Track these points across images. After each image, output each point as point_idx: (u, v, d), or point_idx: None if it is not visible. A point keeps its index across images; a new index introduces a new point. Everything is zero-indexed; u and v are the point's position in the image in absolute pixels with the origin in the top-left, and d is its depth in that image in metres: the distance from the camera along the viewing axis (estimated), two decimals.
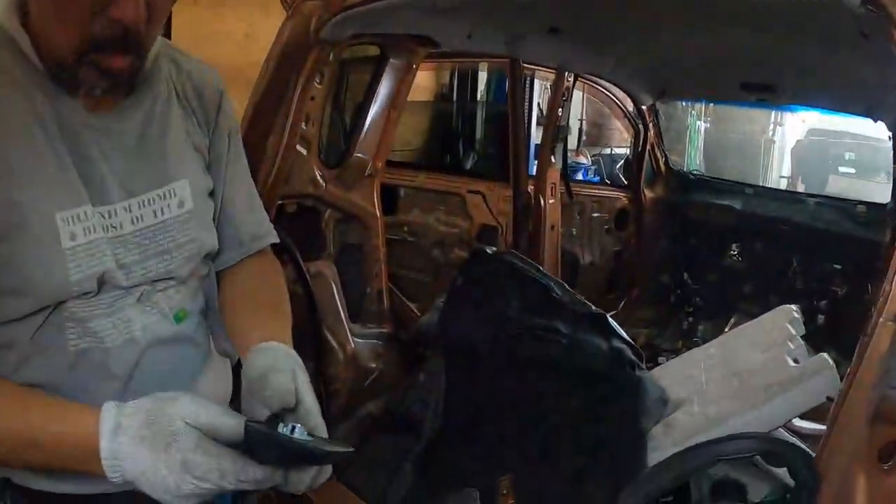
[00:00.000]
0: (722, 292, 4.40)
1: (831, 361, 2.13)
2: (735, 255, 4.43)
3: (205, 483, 0.90)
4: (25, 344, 1.05)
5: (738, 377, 2.33)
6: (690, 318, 4.39)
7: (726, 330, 4.14)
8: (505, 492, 2.04)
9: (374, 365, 2.54)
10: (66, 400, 1.02)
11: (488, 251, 2.49)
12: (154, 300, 1.17)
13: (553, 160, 3.53)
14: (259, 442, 0.94)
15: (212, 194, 1.29)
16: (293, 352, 1.15)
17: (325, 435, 1.05)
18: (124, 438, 0.91)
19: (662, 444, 2.15)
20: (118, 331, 1.11)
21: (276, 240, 1.44)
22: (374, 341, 2.59)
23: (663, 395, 2.26)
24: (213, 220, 1.30)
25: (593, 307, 2.42)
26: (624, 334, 2.36)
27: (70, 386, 1.08)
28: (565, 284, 2.47)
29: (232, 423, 0.94)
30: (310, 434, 0.99)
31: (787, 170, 9.42)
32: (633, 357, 2.26)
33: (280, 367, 1.08)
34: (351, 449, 1.00)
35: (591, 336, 2.32)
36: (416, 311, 3.06)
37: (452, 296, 2.51)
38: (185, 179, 1.20)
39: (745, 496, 2.29)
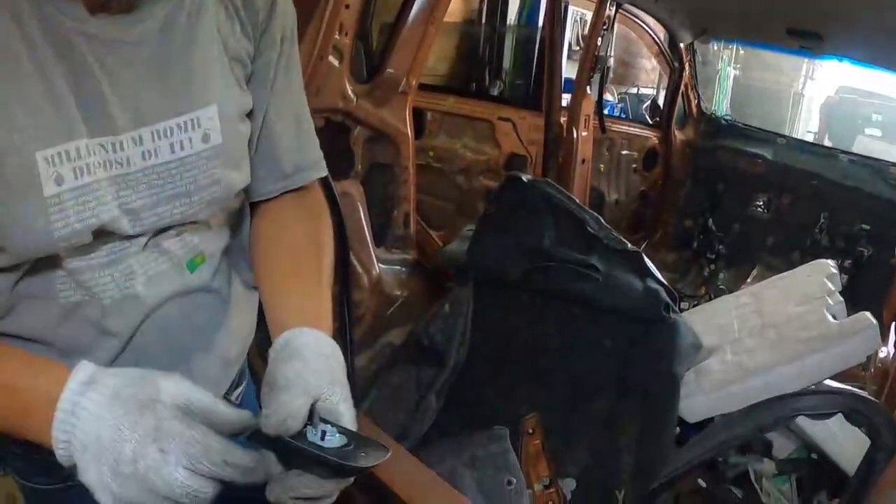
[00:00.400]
0: (745, 242, 4.31)
1: (874, 320, 2.07)
2: (761, 206, 4.33)
3: (172, 460, 0.71)
4: (7, 293, 0.89)
5: (775, 329, 2.27)
6: (712, 266, 4.31)
7: (748, 280, 4.16)
8: (531, 430, 1.97)
9: (398, 292, 2.45)
10: (46, 357, 0.87)
11: (523, 178, 2.37)
12: (164, 247, 0.98)
13: (588, 91, 3.39)
14: (265, 445, 0.82)
15: (250, 115, 1.05)
16: (329, 348, 0.95)
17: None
18: (95, 395, 0.74)
19: (694, 391, 2.09)
20: (117, 284, 0.94)
21: (325, 173, 1.20)
22: (399, 268, 2.50)
23: (697, 340, 2.18)
24: (252, 143, 1.07)
25: (629, 244, 2.32)
26: (658, 275, 2.27)
27: (62, 342, 0.93)
28: (601, 219, 2.35)
29: (233, 414, 0.78)
30: (343, 432, 0.85)
31: (814, 126, 9.24)
32: (667, 299, 2.16)
33: (306, 384, 0.87)
34: (386, 455, 0.85)
35: (626, 274, 2.22)
36: (436, 238, 2.95)
37: (483, 223, 2.40)
38: (213, 105, 0.95)
39: (771, 452, 2.26)
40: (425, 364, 2.13)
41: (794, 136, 6.50)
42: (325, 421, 0.85)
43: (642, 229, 4.35)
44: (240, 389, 1.36)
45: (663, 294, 2.15)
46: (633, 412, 2.01)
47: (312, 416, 0.84)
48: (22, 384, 0.78)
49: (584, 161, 3.36)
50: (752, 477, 2.14)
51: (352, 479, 0.88)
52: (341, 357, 0.95)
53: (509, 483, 1.73)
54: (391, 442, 1.64)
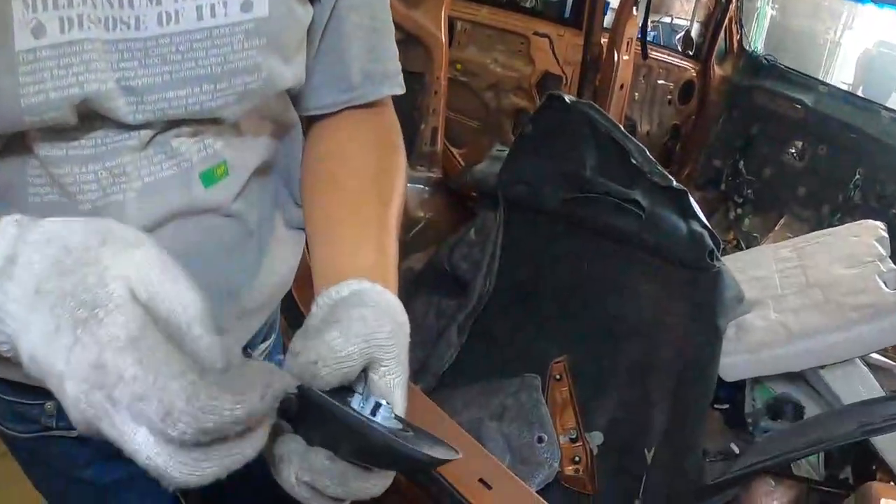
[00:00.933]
0: (775, 189, 4.12)
1: None
2: (795, 154, 4.12)
3: (127, 417, 0.45)
4: None
5: (822, 290, 2.13)
6: (739, 210, 4.14)
7: (776, 229, 4.00)
8: (559, 376, 1.81)
9: (420, 213, 2.26)
10: None
11: (566, 98, 2.16)
12: (174, 146, 0.74)
13: (635, 12, 3.13)
14: (307, 411, 0.58)
15: None
16: (403, 316, 0.71)
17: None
18: (12, 287, 0.48)
19: (735, 349, 1.96)
20: (102, 186, 0.71)
21: (402, 90, 0.94)
22: (422, 187, 2.31)
23: (740, 292, 2.02)
24: (312, 38, 0.82)
25: (674, 181, 2.12)
26: (703, 217, 2.09)
27: None
28: (646, 150, 2.15)
29: (214, 347, 0.52)
30: (399, 419, 0.63)
31: (848, 77, 8.92)
32: (712, 244, 1.99)
33: (368, 331, 0.64)
34: (457, 455, 0.64)
35: (670, 213, 2.04)
36: (458, 157, 2.75)
37: (519, 143, 2.20)
38: None
39: (803, 418, 2.12)
40: (447, 294, 1.96)
41: None
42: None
43: (671, 164, 4.14)
44: (266, 344, 1.15)
45: (708, 239, 1.98)
46: (668, 364, 1.86)
47: (361, 383, 0.65)
48: None
49: (622, 87, 3.13)
50: None
51: (396, 475, 0.66)
52: (408, 334, 0.72)
53: (540, 440, 1.58)
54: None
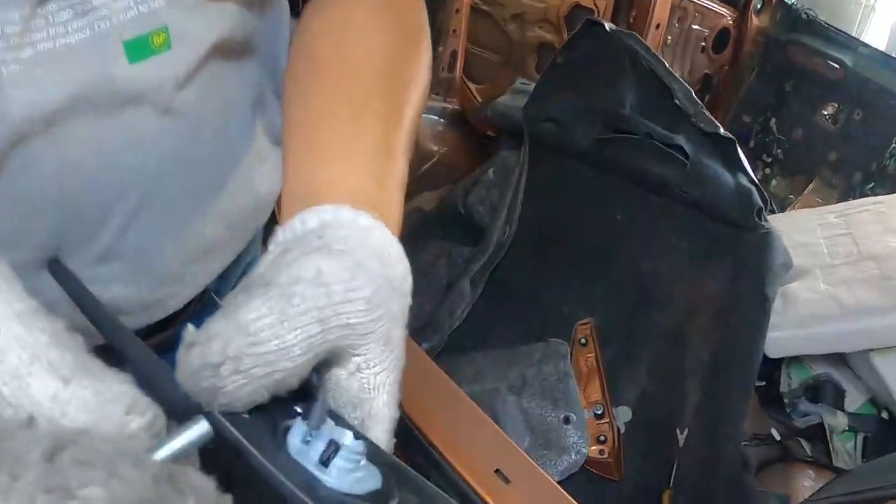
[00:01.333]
0: (806, 151, 3.91)
1: None
2: (829, 116, 3.91)
3: None
4: None
5: (876, 263, 1.90)
6: (767, 169, 3.94)
7: (805, 193, 3.81)
8: (584, 340, 1.60)
9: (433, 147, 2.05)
10: None
11: (606, 26, 1.91)
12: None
13: None
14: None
15: None
16: (402, 267, 0.52)
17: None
18: None
19: (782, 323, 1.75)
20: None
21: None
22: (436, 118, 2.08)
23: (788, 258, 1.81)
24: None
25: (722, 129, 1.89)
26: (751, 171, 1.87)
27: None
28: (692, 92, 1.91)
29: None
30: (370, 449, 0.41)
31: (881, 43, 8.67)
32: (760, 202, 1.77)
33: (323, 303, 0.44)
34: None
35: (716, 164, 1.81)
36: (475, 92, 2.51)
37: (549, 75, 1.95)
38: None
39: (843, 403, 1.93)
40: (460, 240, 1.75)
41: None
42: (337, 419, 0.43)
43: None
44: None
45: (756, 196, 1.76)
46: (707, 332, 1.66)
47: (312, 395, 0.44)
48: None
49: (658, 26, 2.92)
50: (827, 431, 1.82)
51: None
52: (409, 292, 0.53)
53: (567, 420, 1.36)
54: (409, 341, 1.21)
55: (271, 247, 0.51)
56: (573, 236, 1.82)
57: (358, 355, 0.46)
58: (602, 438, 1.45)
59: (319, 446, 0.39)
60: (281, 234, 0.51)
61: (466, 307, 1.58)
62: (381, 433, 0.48)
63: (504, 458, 1.08)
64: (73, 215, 0.58)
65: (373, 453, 0.41)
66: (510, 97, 2.10)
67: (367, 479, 0.40)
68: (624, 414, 1.56)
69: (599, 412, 1.48)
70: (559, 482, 1.24)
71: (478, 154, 2.12)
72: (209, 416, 0.38)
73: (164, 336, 0.79)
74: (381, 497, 0.39)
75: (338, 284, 0.44)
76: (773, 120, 4.01)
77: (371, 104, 0.61)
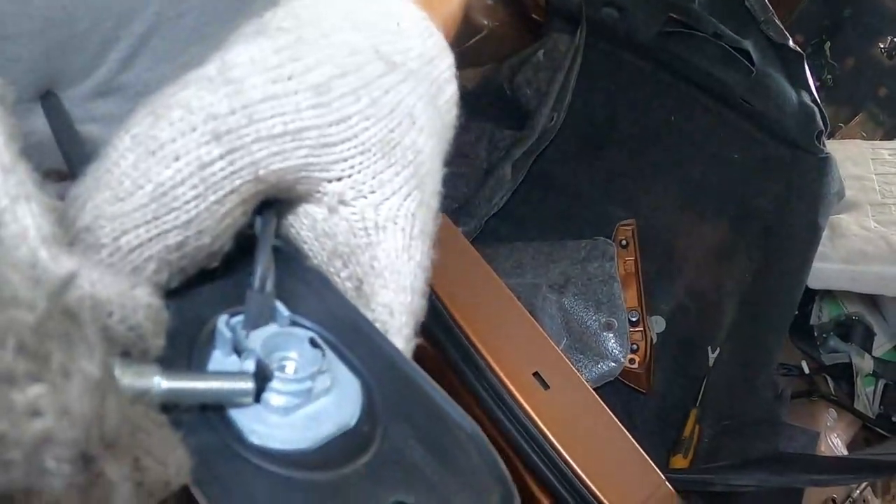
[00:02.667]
0: (856, 82, 3.83)
1: None
2: (884, 49, 3.83)
3: None
4: None
5: None
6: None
7: (850, 124, 3.76)
8: (625, 242, 1.57)
9: (483, 20, 1.96)
10: None
11: None
12: None
13: None
14: None
15: None
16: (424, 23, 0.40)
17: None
18: None
19: (828, 254, 1.73)
20: None
21: None
22: None
23: (842, 189, 1.79)
24: None
25: (791, 41, 1.83)
26: (815, 91, 1.82)
27: None
28: None
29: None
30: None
31: None
32: (822, 125, 1.73)
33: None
34: None
35: (781, 78, 1.76)
36: None
37: None
38: None
39: (871, 345, 1.94)
40: (505, 122, 1.69)
41: None
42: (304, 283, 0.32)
43: None
44: None
45: (819, 118, 1.71)
46: (750, 253, 1.64)
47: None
48: None
49: None
50: (855, 372, 1.83)
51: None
52: (444, 74, 0.41)
53: (608, 326, 1.34)
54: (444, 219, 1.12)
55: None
56: (622, 134, 1.77)
57: (336, 178, 0.34)
58: (634, 347, 1.44)
59: (249, 366, 0.28)
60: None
61: (506, 193, 1.54)
62: (393, 300, 0.34)
63: (543, 361, 1.04)
64: (72, 37, 0.52)
65: (356, 353, 0.30)
66: None
67: (330, 413, 0.29)
68: (658, 324, 1.54)
69: (634, 319, 1.46)
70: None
71: (528, 33, 2.04)
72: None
73: None
74: (349, 449, 0.28)
75: (254, 78, 0.32)
76: (828, 44, 3.92)
77: None
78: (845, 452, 1.62)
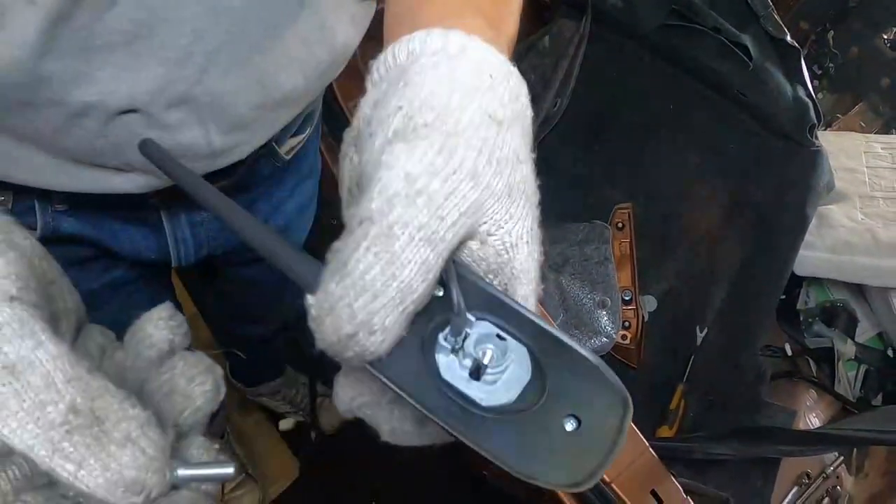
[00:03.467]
0: (858, 72, 3.91)
1: None
2: (889, 41, 3.90)
3: None
4: None
5: None
6: (815, 81, 3.92)
7: (849, 114, 3.84)
8: (621, 225, 1.67)
9: None
10: None
11: None
12: None
13: None
14: None
15: None
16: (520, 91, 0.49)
17: None
18: None
19: (815, 243, 1.83)
20: None
21: None
22: None
23: (832, 180, 1.87)
24: None
25: (789, 36, 1.93)
26: (810, 85, 1.92)
27: None
28: None
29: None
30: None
31: None
32: (815, 119, 1.83)
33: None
34: (619, 442, 0.41)
35: (777, 72, 1.86)
36: None
37: None
38: None
39: (854, 331, 2.04)
40: None
41: None
42: (477, 293, 0.43)
43: None
44: (298, 139, 0.97)
45: (812, 112, 1.80)
46: (740, 240, 1.73)
47: (450, 306, 0.42)
48: None
49: None
50: (836, 356, 1.93)
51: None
52: (524, 109, 0.49)
53: (602, 304, 1.46)
54: None
55: (363, 99, 0.49)
56: (622, 121, 1.84)
57: (483, 223, 0.44)
58: (626, 324, 1.55)
59: (467, 362, 0.42)
60: (375, 72, 0.49)
61: None
62: (529, 291, 0.46)
63: None
64: (153, 52, 0.62)
65: (518, 329, 0.42)
66: None
67: (517, 375, 0.42)
68: (650, 303, 1.64)
69: (627, 298, 1.57)
70: None
71: (533, 18, 2.12)
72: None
73: (224, 183, 0.87)
74: (533, 393, 0.41)
75: (434, 183, 0.41)
76: (832, 33, 3.98)
77: None
78: None
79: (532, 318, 0.42)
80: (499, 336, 0.43)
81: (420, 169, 0.40)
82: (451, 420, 0.40)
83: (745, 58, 1.80)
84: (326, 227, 1.35)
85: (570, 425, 0.40)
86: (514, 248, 0.45)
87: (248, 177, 0.96)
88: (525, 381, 0.42)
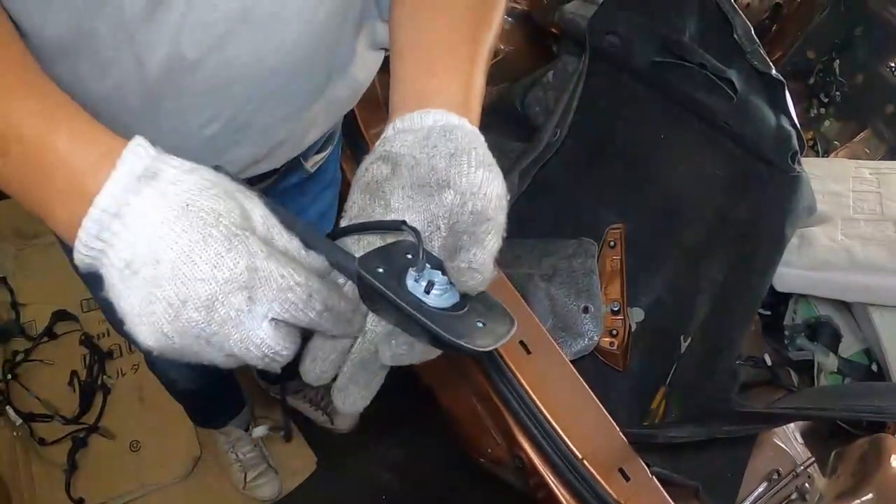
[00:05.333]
0: (863, 100, 4.03)
1: None
2: (893, 69, 4.03)
3: (260, 311, 0.58)
4: None
5: (895, 227, 2.12)
6: (822, 109, 4.04)
7: (855, 140, 3.96)
8: (613, 243, 1.86)
9: (500, 46, 2.23)
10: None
11: None
12: None
13: None
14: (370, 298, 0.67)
15: None
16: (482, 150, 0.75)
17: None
18: (155, 197, 0.56)
19: (796, 261, 2.00)
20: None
21: None
22: (505, 17, 2.26)
23: (813, 204, 2.03)
24: None
25: (774, 70, 2.11)
26: (794, 115, 2.09)
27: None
28: (752, 30, 2.12)
29: (317, 261, 0.66)
30: (461, 293, 0.68)
31: None
32: (797, 146, 1.99)
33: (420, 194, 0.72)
34: (509, 333, 0.67)
35: (762, 103, 2.03)
36: None
37: None
38: None
39: (837, 347, 2.15)
40: (514, 135, 1.97)
41: None
42: (436, 266, 0.67)
43: (763, 44, 4.06)
44: (322, 156, 1.23)
45: (794, 140, 1.96)
46: (723, 256, 1.90)
47: (416, 254, 0.67)
48: (46, 148, 0.57)
49: None
50: (816, 370, 2.07)
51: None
52: (500, 176, 0.76)
53: (586, 310, 1.65)
54: None
55: (390, 131, 0.75)
56: (617, 148, 2.02)
57: (468, 220, 0.70)
58: (614, 332, 1.73)
59: (423, 284, 0.66)
60: (399, 124, 0.75)
61: (513, 198, 1.82)
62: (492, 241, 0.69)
63: (528, 332, 1.38)
64: (232, 99, 0.87)
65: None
66: (578, 4, 2.27)
67: (451, 297, 0.67)
68: (637, 314, 1.82)
69: (616, 309, 1.76)
70: (571, 361, 1.53)
71: (540, 54, 2.29)
72: (362, 279, 0.65)
73: (262, 186, 1.13)
74: (459, 305, 0.66)
75: (446, 159, 0.72)
76: (837, 62, 4.11)
77: (463, 29, 0.83)
78: (799, 438, 1.83)
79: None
80: (444, 272, 0.67)
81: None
82: (416, 311, 0.63)
83: (730, 91, 1.97)
84: None
85: (479, 325, 0.65)
86: (482, 239, 0.68)
87: (279, 183, 1.22)
88: (456, 300, 0.67)
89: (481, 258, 0.66)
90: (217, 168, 0.62)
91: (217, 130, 0.89)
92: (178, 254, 0.55)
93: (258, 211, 0.62)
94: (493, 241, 0.68)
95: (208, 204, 0.57)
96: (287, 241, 0.63)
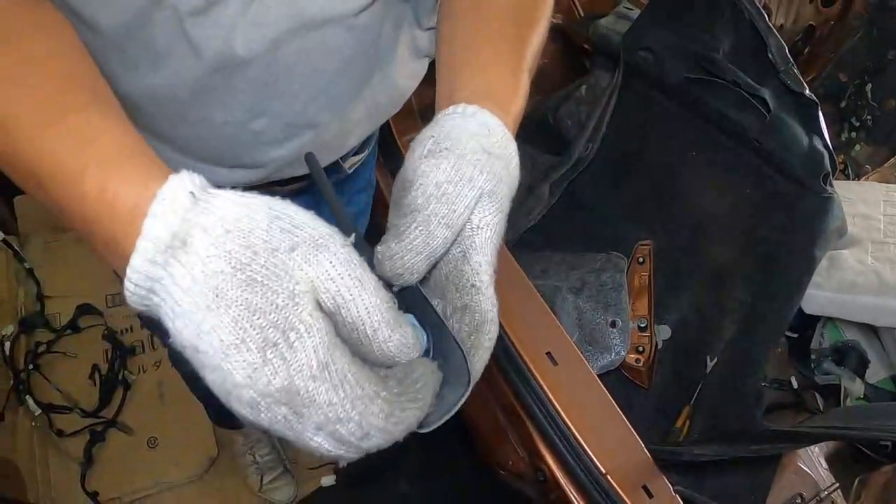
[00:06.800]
0: (894, 123, 4.03)
1: None
2: None
3: (309, 425, 0.51)
4: None
5: None
6: (853, 133, 4.02)
7: (885, 166, 3.92)
8: (641, 259, 1.85)
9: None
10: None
11: None
12: None
13: None
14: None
15: None
16: (504, 147, 0.71)
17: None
18: (181, 272, 0.50)
19: (822, 283, 1.99)
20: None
21: None
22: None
23: (844, 225, 2.01)
24: None
25: (808, 90, 2.09)
26: (827, 136, 2.07)
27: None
28: (786, 49, 2.11)
29: (400, 338, 0.58)
30: (429, 321, 0.66)
31: None
32: (829, 168, 1.98)
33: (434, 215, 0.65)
34: (463, 396, 0.62)
35: (795, 122, 2.02)
36: (578, 5, 2.69)
37: (653, 9, 2.11)
38: None
39: (865, 372, 2.14)
40: (546, 148, 1.98)
41: None
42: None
43: (795, 64, 4.04)
44: (359, 157, 1.24)
45: (826, 161, 1.95)
46: (752, 277, 1.88)
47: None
48: (77, 200, 0.54)
49: None
50: (842, 395, 2.06)
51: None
52: (516, 175, 0.73)
53: (613, 325, 1.64)
54: None
55: (421, 137, 0.73)
56: (648, 164, 2.02)
57: (470, 244, 0.68)
58: (640, 349, 1.72)
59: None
60: (424, 133, 0.74)
61: (543, 210, 1.83)
62: (481, 258, 0.67)
63: (555, 344, 1.37)
64: (280, 96, 0.89)
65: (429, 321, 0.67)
66: (612, 19, 2.29)
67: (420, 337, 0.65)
68: (664, 332, 1.81)
69: (643, 325, 1.75)
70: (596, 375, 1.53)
71: (573, 69, 2.29)
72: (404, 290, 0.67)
73: (303, 185, 1.15)
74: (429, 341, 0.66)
75: (450, 188, 0.65)
76: (870, 85, 4.08)
77: (507, 34, 0.84)
78: (823, 463, 1.81)
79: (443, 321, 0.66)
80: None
81: (442, 178, 0.65)
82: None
83: (763, 109, 1.96)
84: (381, 228, 1.57)
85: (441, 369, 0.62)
86: (478, 228, 0.67)
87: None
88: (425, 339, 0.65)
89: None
90: (283, 196, 0.56)
91: (265, 126, 0.92)
92: (215, 351, 0.49)
93: (323, 278, 0.52)
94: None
95: (240, 295, 0.49)
96: (364, 308, 0.54)
